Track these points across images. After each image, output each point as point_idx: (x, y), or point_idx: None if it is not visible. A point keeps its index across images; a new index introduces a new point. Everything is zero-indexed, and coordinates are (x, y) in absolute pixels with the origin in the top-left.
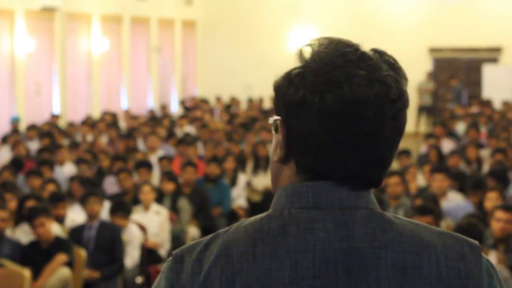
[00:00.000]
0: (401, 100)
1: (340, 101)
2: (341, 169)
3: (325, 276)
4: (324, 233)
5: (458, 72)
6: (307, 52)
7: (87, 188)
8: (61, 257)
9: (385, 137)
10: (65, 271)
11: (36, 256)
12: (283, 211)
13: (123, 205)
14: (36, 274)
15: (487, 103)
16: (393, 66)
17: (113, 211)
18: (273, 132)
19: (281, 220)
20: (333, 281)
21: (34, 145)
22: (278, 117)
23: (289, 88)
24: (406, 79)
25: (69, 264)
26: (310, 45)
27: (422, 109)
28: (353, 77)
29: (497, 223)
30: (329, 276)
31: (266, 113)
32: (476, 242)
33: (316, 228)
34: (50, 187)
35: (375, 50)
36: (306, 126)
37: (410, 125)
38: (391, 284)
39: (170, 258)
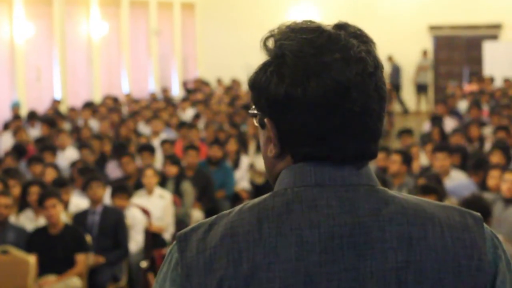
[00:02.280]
0: (378, 68)
1: (323, 89)
2: (339, 152)
3: (331, 251)
4: (328, 209)
5: (458, 49)
6: (272, 44)
7: (87, 176)
8: (82, 258)
9: (373, 110)
10: (75, 282)
11: (44, 242)
12: (286, 190)
13: (123, 186)
14: (43, 260)
15: (486, 81)
16: (361, 37)
17: (113, 193)
18: (260, 128)
19: (285, 198)
20: (339, 256)
21: (35, 132)
22: (260, 113)
23: (269, 85)
24: (374, 43)
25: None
26: (272, 36)
27: (420, 88)
28: (329, 63)
29: (505, 183)
30: (335, 251)
31: None
32: (479, 214)
33: (319, 205)
34: (50, 172)
35: (338, 26)
36: (295, 120)
37: (412, 104)
38: (397, 256)
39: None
